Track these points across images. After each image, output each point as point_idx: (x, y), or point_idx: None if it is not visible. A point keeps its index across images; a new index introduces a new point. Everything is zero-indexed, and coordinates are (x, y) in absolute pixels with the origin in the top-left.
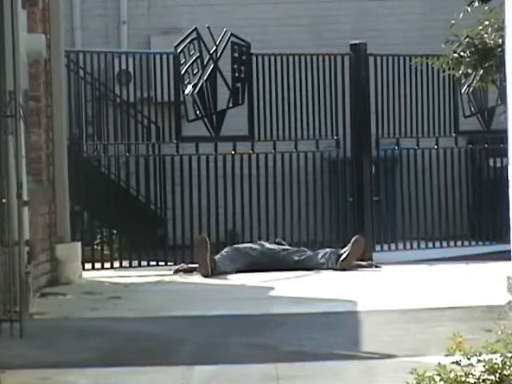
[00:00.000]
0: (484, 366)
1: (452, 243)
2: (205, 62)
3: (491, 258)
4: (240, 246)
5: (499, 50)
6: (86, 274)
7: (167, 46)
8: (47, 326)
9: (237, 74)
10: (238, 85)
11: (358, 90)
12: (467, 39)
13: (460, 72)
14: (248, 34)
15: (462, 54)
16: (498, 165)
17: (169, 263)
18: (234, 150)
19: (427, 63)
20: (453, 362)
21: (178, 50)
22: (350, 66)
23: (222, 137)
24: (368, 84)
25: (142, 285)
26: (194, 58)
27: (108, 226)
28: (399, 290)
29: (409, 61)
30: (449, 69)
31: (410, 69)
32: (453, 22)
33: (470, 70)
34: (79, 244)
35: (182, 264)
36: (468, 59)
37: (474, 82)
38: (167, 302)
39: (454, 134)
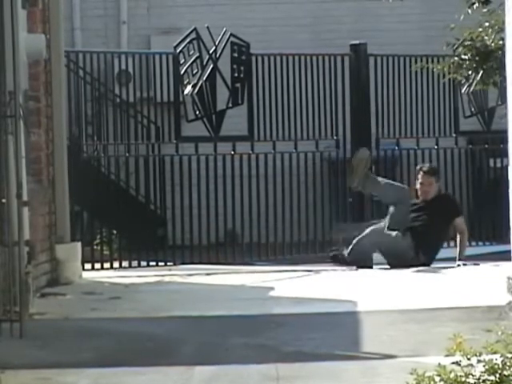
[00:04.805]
0: (484, 366)
1: (452, 243)
2: (204, 62)
3: (491, 258)
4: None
5: (500, 51)
6: (85, 275)
7: (167, 46)
8: (47, 326)
9: (236, 74)
10: (238, 85)
11: (358, 90)
12: (469, 42)
13: (461, 75)
14: (248, 34)
15: (462, 56)
16: (498, 165)
17: (168, 263)
18: (234, 150)
19: (427, 63)
20: (453, 363)
21: (178, 50)
22: (350, 66)
23: (222, 137)
24: (368, 84)
25: (141, 285)
26: (194, 58)
27: (108, 226)
28: (399, 290)
29: (409, 61)
30: (449, 73)
31: (410, 69)
32: (452, 25)
33: (470, 73)
34: (79, 244)
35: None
36: (469, 61)
37: (475, 83)
38: (167, 302)
39: (454, 135)
